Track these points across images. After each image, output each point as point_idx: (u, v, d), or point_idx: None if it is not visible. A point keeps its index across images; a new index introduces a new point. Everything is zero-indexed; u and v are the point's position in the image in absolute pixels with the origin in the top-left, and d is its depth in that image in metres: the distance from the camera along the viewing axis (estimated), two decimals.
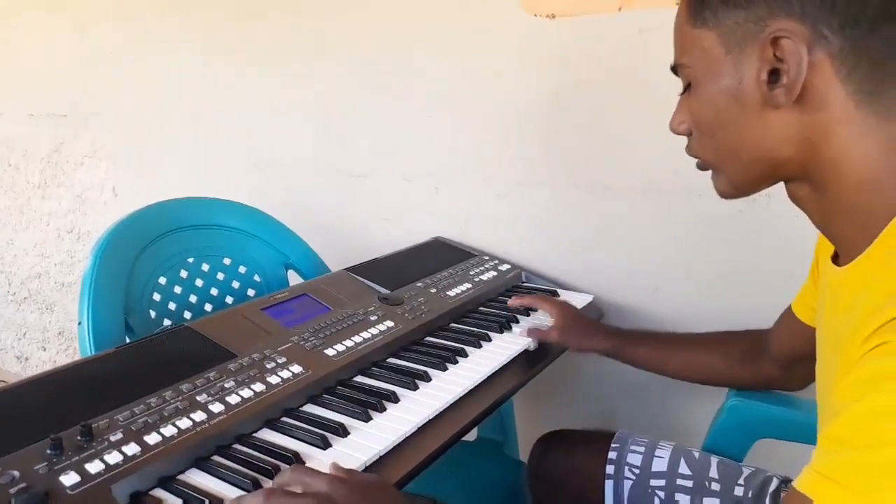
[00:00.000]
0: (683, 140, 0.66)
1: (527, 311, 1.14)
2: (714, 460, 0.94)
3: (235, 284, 1.24)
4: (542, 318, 1.09)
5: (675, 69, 0.65)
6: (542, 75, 1.26)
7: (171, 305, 1.14)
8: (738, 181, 0.62)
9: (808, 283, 0.82)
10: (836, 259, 0.61)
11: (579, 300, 1.20)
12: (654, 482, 0.94)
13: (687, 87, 0.63)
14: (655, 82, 1.17)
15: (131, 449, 0.67)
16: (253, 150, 1.71)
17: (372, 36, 1.45)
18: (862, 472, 0.43)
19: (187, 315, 1.16)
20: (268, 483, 0.66)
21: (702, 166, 0.65)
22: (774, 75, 0.54)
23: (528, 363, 1.00)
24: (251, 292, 1.25)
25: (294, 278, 1.31)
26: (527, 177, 1.32)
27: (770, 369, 0.91)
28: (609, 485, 0.95)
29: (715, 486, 0.91)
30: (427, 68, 1.39)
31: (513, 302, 1.13)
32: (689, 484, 0.92)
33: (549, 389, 1.33)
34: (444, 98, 1.38)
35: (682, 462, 0.94)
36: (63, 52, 2.00)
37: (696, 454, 0.95)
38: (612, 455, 0.96)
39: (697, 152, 0.64)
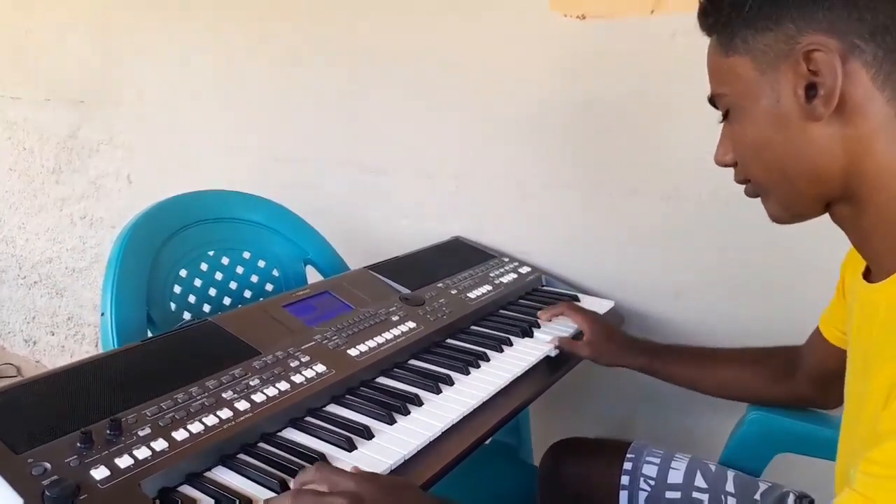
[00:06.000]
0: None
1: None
2: (731, 474, 0.94)
3: (254, 278, 1.24)
4: (564, 325, 1.09)
5: (712, 101, 0.65)
6: (569, 76, 1.26)
7: (191, 298, 1.14)
8: (788, 202, 0.62)
9: (834, 303, 0.81)
10: (868, 276, 0.61)
11: (600, 306, 1.20)
12: (669, 494, 0.93)
13: (725, 115, 0.64)
14: (686, 87, 1.17)
15: (159, 444, 0.67)
16: (272, 144, 1.71)
17: (397, 32, 1.44)
18: None
19: (206, 308, 1.16)
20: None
21: (751, 191, 0.65)
22: (812, 90, 0.55)
23: (548, 369, 1.00)
24: (269, 287, 1.25)
25: (312, 274, 1.32)
26: (550, 179, 1.32)
27: (804, 388, 0.91)
28: (624, 496, 0.95)
29: (731, 501, 0.91)
30: (452, 65, 1.39)
31: (543, 315, 1.09)
32: (705, 498, 0.92)
33: (565, 394, 1.33)
34: (468, 96, 1.38)
35: (699, 475, 0.94)
36: (83, 38, 2.00)
37: (713, 467, 0.95)
38: (627, 466, 0.96)
39: (746, 177, 0.65)
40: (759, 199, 0.65)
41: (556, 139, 1.30)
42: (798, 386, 0.91)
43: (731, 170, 0.66)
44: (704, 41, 0.65)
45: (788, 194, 0.61)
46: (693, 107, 1.16)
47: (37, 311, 2.43)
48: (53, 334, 2.41)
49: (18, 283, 2.45)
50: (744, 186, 0.66)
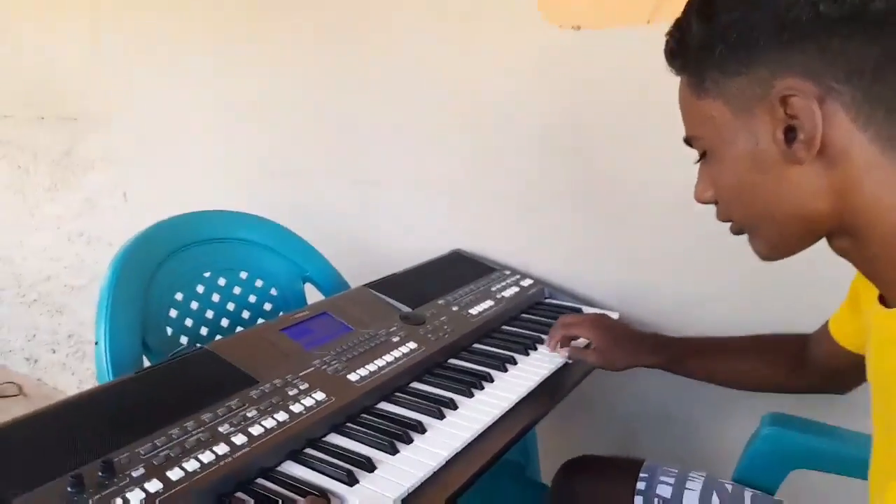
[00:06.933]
0: None
1: None
2: (748, 494, 0.91)
3: (252, 298, 1.22)
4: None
5: (687, 141, 0.63)
6: (566, 87, 1.23)
7: (188, 322, 1.11)
8: (776, 242, 0.60)
9: (845, 309, 0.80)
10: (883, 300, 0.59)
11: None
12: None
13: (703, 156, 0.62)
14: None
15: (153, 486, 0.65)
16: (268, 159, 1.69)
17: (391, 45, 1.42)
18: None
19: (203, 331, 1.13)
20: None
21: (736, 230, 0.63)
22: (791, 132, 0.52)
23: (553, 387, 0.97)
24: (268, 306, 1.23)
25: (310, 290, 1.29)
26: (550, 189, 1.29)
27: (816, 377, 0.89)
28: None
29: None
30: (447, 77, 1.36)
31: (551, 346, 1.02)
32: None
33: (572, 410, 1.30)
34: (465, 108, 1.35)
35: (715, 496, 0.91)
36: (76, 55, 1.98)
37: (729, 487, 0.92)
38: (640, 486, 0.93)
39: (729, 217, 0.63)
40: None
41: (554, 150, 1.28)
42: (810, 375, 0.89)
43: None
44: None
45: (776, 235, 0.59)
46: None
47: (37, 330, 2.41)
48: (54, 352, 2.39)
49: (18, 302, 2.43)
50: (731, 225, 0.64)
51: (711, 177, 0.61)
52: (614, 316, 1.18)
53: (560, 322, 1.04)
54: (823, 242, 0.60)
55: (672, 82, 1.11)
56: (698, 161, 0.63)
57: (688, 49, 0.58)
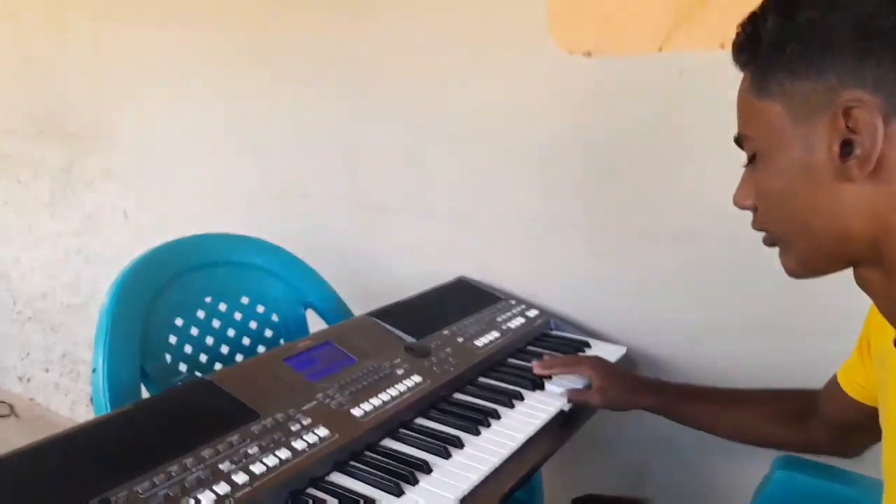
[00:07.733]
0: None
1: None
2: None
3: (253, 325, 1.20)
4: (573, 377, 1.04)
5: (738, 140, 0.62)
6: (576, 114, 1.22)
7: (188, 348, 1.09)
8: (808, 257, 0.58)
9: (854, 359, 0.77)
10: None
11: (612, 352, 1.15)
12: None
13: (751, 159, 0.60)
14: (695, 126, 1.15)
15: None
16: (270, 180, 1.67)
17: (399, 68, 1.41)
18: None
19: (203, 358, 1.11)
20: None
21: (769, 241, 0.62)
22: (847, 147, 0.51)
23: (561, 425, 0.95)
24: (269, 333, 1.21)
25: (312, 317, 1.27)
26: (558, 219, 1.28)
27: (822, 434, 0.86)
28: None
29: None
30: (456, 101, 1.36)
31: (538, 370, 1.02)
32: None
33: (577, 446, 1.27)
34: (473, 133, 1.35)
35: None
36: (78, 71, 1.97)
37: None
38: None
39: (765, 226, 0.61)
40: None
41: (562, 178, 1.27)
42: (815, 432, 0.87)
43: (744, 211, 0.63)
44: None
45: (810, 251, 0.57)
46: (703, 146, 1.12)
47: (31, 348, 2.38)
48: (48, 371, 2.36)
49: (12, 319, 2.40)
50: (761, 234, 0.62)
51: (756, 183, 0.59)
52: (621, 350, 1.17)
53: (561, 360, 1.04)
54: (843, 281, 0.59)
55: (681, 111, 1.11)
56: (746, 165, 0.61)
57: (758, 44, 0.56)
